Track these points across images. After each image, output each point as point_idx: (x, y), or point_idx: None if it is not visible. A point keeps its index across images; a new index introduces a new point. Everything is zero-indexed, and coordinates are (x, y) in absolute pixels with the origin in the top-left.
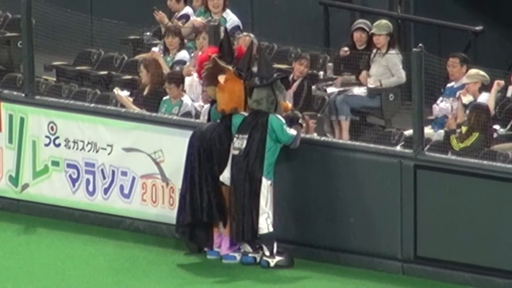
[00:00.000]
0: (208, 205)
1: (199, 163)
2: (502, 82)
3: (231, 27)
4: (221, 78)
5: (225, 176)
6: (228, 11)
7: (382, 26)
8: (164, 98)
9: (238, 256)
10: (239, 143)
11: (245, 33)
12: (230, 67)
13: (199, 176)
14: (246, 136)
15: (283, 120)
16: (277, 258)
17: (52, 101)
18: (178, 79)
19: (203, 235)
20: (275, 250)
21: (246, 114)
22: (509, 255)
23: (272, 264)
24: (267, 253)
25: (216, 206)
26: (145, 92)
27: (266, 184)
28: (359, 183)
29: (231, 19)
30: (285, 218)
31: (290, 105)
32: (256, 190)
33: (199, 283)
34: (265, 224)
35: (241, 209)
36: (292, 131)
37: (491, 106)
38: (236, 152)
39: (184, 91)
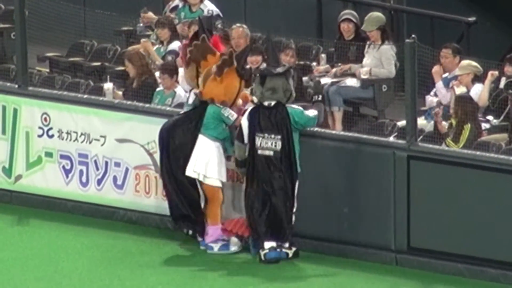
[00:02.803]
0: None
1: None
2: (495, 73)
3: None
4: (211, 59)
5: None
6: (206, 1)
7: (371, 21)
8: (157, 89)
9: (216, 247)
10: (270, 143)
11: (238, 24)
12: (218, 52)
13: (167, 171)
14: (279, 136)
15: (300, 107)
16: (293, 249)
17: (45, 92)
18: (171, 70)
19: (193, 225)
20: (292, 241)
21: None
22: (502, 246)
23: (291, 254)
24: (287, 244)
25: (184, 202)
26: (134, 85)
27: (297, 179)
28: (352, 174)
29: (209, 9)
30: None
31: (294, 94)
32: (293, 189)
33: (192, 273)
34: (294, 217)
35: (280, 209)
36: (312, 112)
37: (485, 97)
38: (270, 153)
39: (177, 82)
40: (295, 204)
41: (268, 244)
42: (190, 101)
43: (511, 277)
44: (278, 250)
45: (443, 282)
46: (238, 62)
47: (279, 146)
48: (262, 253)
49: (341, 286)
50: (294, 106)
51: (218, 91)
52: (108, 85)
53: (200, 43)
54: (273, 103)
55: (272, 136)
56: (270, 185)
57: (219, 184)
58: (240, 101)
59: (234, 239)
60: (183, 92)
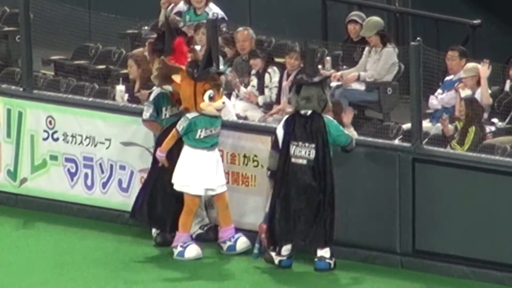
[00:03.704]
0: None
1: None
2: (487, 69)
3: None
4: (176, 78)
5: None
6: (211, 4)
7: (369, 27)
8: None
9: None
10: (303, 151)
11: (242, 27)
12: (182, 67)
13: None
14: (313, 145)
15: (336, 122)
16: (333, 259)
17: (50, 95)
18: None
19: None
20: (332, 251)
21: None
22: (508, 248)
23: (332, 265)
24: (328, 255)
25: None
26: (135, 88)
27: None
28: (358, 177)
29: (214, 12)
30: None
31: (330, 104)
32: (331, 197)
33: (199, 277)
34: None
35: (308, 218)
36: (350, 131)
37: (486, 94)
38: (303, 162)
39: None
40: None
41: (284, 251)
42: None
43: None
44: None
45: (448, 285)
46: (194, 65)
47: (313, 155)
48: (277, 259)
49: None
50: (331, 118)
51: (182, 99)
52: (120, 87)
53: (161, 66)
54: (309, 112)
55: (306, 144)
56: (300, 193)
57: (194, 192)
58: (219, 103)
59: (192, 246)
60: None
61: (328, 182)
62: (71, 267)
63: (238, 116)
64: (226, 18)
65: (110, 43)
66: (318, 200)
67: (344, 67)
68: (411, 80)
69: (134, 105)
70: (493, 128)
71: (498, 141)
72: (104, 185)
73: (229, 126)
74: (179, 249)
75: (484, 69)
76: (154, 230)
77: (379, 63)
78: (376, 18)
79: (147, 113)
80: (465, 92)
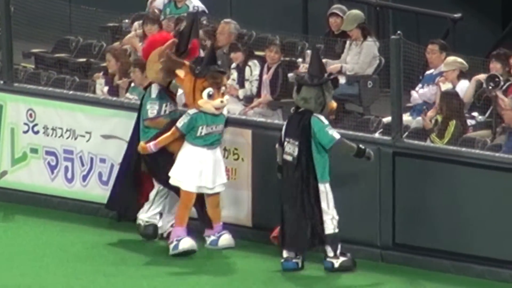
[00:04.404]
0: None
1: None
2: (482, 79)
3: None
4: (180, 73)
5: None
6: None
7: (349, 21)
8: (133, 85)
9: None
10: (291, 148)
11: (226, 20)
12: (186, 62)
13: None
14: (297, 142)
15: (326, 122)
16: (341, 259)
17: (31, 88)
18: (143, 65)
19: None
20: (339, 250)
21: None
22: (488, 242)
23: (336, 265)
24: (331, 254)
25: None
26: (115, 82)
27: (324, 188)
28: (338, 170)
29: (195, 5)
30: (263, 204)
31: (335, 104)
32: (315, 197)
33: (179, 270)
34: (331, 225)
35: (296, 217)
36: (336, 134)
37: (470, 95)
38: (289, 158)
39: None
40: (333, 214)
41: (285, 253)
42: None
43: (496, 273)
44: (295, 261)
45: (428, 278)
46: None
47: (296, 152)
48: (281, 261)
49: (326, 282)
50: (323, 118)
51: (184, 95)
52: (101, 81)
53: (166, 60)
54: (303, 109)
55: (293, 141)
56: (287, 191)
57: (186, 188)
58: (218, 101)
59: (186, 239)
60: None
61: (311, 181)
62: (51, 260)
63: (185, 105)
64: (206, 11)
65: (90, 36)
66: (297, 199)
67: (325, 60)
68: (391, 73)
69: (114, 98)
70: (473, 122)
71: (478, 135)
72: (85, 178)
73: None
74: (174, 242)
75: (482, 76)
76: (140, 220)
77: (360, 57)
78: (356, 11)
79: (154, 110)
80: (446, 86)
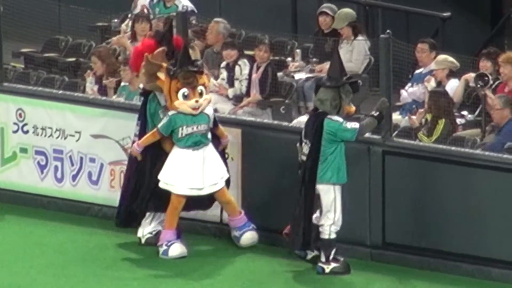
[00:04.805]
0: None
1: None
2: (471, 78)
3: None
4: (161, 75)
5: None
6: None
7: (341, 19)
8: (122, 84)
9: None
10: (305, 148)
11: (216, 19)
12: (164, 64)
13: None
14: (309, 142)
15: (340, 119)
16: (333, 265)
17: (20, 88)
18: None
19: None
20: (331, 256)
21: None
22: (478, 241)
23: (327, 270)
24: (323, 259)
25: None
26: (102, 83)
27: (325, 189)
28: None
29: (184, 5)
30: (252, 203)
31: (353, 108)
32: (311, 198)
33: (168, 270)
34: (328, 230)
35: (292, 216)
36: (354, 124)
37: (460, 94)
38: (304, 158)
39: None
40: (335, 219)
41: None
42: None
43: (486, 272)
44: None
45: (418, 277)
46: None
47: (306, 151)
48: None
49: (316, 282)
50: (335, 117)
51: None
52: (90, 79)
53: (145, 64)
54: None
55: (307, 141)
56: (298, 191)
57: (177, 192)
58: (192, 101)
59: (176, 245)
60: None
61: (310, 182)
62: (41, 260)
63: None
64: (195, 11)
65: (80, 35)
66: (305, 199)
67: (314, 59)
68: (381, 72)
69: (104, 98)
70: (462, 121)
71: (467, 134)
72: (74, 177)
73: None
74: (164, 247)
75: (470, 76)
76: (140, 232)
77: (353, 55)
78: (347, 10)
79: None
80: (431, 85)
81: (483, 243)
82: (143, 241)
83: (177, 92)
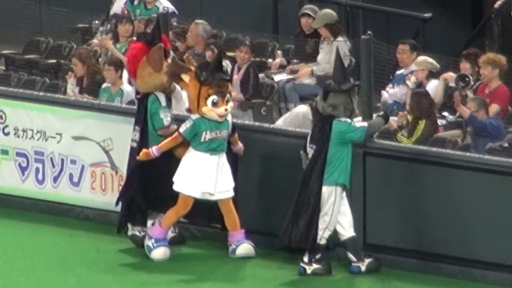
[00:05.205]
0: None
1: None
2: (451, 77)
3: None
4: (186, 77)
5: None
6: None
7: (319, 20)
8: (103, 86)
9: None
10: (312, 152)
11: (197, 21)
12: (192, 67)
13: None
14: (315, 146)
15: (348, 120)
16: (314, 266)
17: (1, 89)
18: (118, 64)
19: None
20: (316, 257)
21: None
22: (459, 242)
23: (308, 271)
24: (306, 259)
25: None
26: (84, 85)
27: (328, 191)
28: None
29: (165, 6)
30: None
31: (357, 111)
32: (317, 199)
33: (149, 272)
34: (320, 235)
35: (298, 216)
36: (362, 123)
37: (440, 95)
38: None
39: (121, 78)
40: (329, 224)
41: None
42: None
43: (468, 273)
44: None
45: (399, 279)
46: (204, 66)
47: (311, 154)
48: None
49: (296, 283)
50: (343, 119)
51: (188, 100)
52: (72, 81)
53: (172, 65)
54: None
55: (312, 145)
56: (304, 195)
57: (189, 193)
58: (222, 109)
59: (160, 249)
60: (130, 89)
61: (317, 184)
62: (22, 261)
63: (189, 110)
64: (176, 12)
65: (61, 37)
66: (309, 203)
67: (295, 60)
68: (361, 74)
69: (85, 99)
70: (443, 122)
71: (448, 135)
72: (55, 179)
73: (180, 119)
74: (149, 244)
75: (447, 75)
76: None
77: (331, 55)
78: (327, 10)
79: (168, 118)
80: (411, 82)
81: (465, 244)
82: (129, 233)
83: (206, 98)
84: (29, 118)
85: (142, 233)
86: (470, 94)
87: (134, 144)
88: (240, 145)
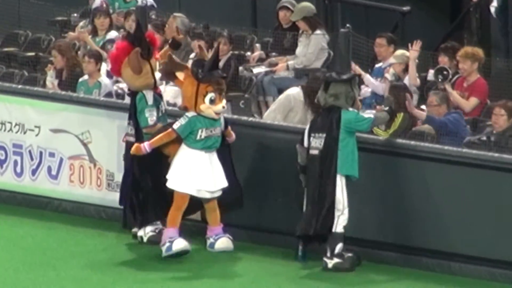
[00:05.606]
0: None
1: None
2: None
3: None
4: (180, 75)
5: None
6: None
7: (297, 13)
8: (80, 79)
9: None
10: (317, 142)
11: (175, 14)
12: (187, 65)
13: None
14: (324, 135)
15: (355, 110)
16: (335, 260)
17: None
18: (97, 57)
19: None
20: (336, 251)
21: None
22: (437, 235)
23: (330, 265)
24: (328, 253)
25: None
26: (63, 77)
27: (341, 182)
28: (287, 164)
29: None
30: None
31: (359, 101)
32: (333, 188)
33: (126, 263)
34: (335, 223)
35: (316, 207)
36: (368, 114)
37: (413, 75)
38: (315, 152)
39: (100, 70)
40: (344, 211)
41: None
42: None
43: (446, 266)
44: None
45: (378, 272)
46: (199, 64)
47: (322, 144)
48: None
49: (273, 275)
50: (351, 108)
51: (183, 97)
52: (51, 73)
53: (167, 62)
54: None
55: (320, 134)
56: (314, 185)
57: (185, 191)
58: (220, 107)
59: (179, 240)
60: (108, 81)
61: (332, 173)
62: (1, 254)
63: (168, 103)
64: (155, 5)
65: (39, 30)
66: (324, 193)
67: (274, 53)
68: (340, 67)
69: (63, 92)
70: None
71: (427, 128)
72: (34, 172)
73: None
74: (167, 244)
75: (414, 49)
76: (142, 231)
77: (308, 48)
78: (305, 3)
79: (153, 117)
80: (390, 75)
81: (443, 238)
82: (145, 239)
83: (204, 95)
84: (7, 111)
85: (157, 230)
86: (448, 88)
87: (131, 139)
88: (234, 136)
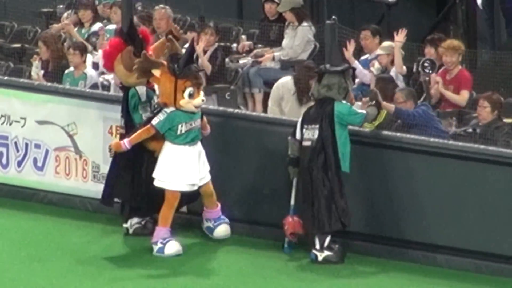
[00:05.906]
0: None
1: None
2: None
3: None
4: (156, 72)
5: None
6: None
7: (284, 3)
8: (66, 71)
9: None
10: (310, 133)
11: (161, 5)
12: (164, 62)
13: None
14: (317, 126)
15: (348, 103)
16: (326, 253)
17: None
18: (82, 49)
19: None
20: (326, 244)
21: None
22: (422, 227)
23: (320, 258)
24: (318, 246)
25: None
26: (49, 68)
27: (338, 175)
28: (274, 156)
29: None
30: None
31: (352, 94)
32: (332, 181)
33: (112, 254)
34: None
35: (317, 202)
36: (361, 110)
37: (399, 64)
38: (308, 143)
39: (85, 62)
40: (339, 204)
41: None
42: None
43: (432, 258)
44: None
45: (363, 264)
46: (175, 60)
47: (315, 135)
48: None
49: (262, 267)
50: (344, 101)
51: (160, 94)
52: (36, 64)
53: (142, 60)
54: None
55: (313, 126)
56: (309, 178)
57: (175, 188)
58: (199, 100)
59: (172, 243)
60: (94, 73)
61: (331, 168)
62: None
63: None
64: None
65: (25, 21)
66: (321, 185)
67: (259, 45)
68: (326, 59)
69: (49, 84)
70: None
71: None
72: (19, 163)
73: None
74: (159, 245)
75: (399, 37)
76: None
77: (295, 40)
78: None
79: (147, 113)
80: (375, 68)
81: (428, 230)
82: (130, 231)
83: (183, 90)
84: None
85: (143, 222)
86: (438, 79)
87: (123, 131)
88: (209, 129)
